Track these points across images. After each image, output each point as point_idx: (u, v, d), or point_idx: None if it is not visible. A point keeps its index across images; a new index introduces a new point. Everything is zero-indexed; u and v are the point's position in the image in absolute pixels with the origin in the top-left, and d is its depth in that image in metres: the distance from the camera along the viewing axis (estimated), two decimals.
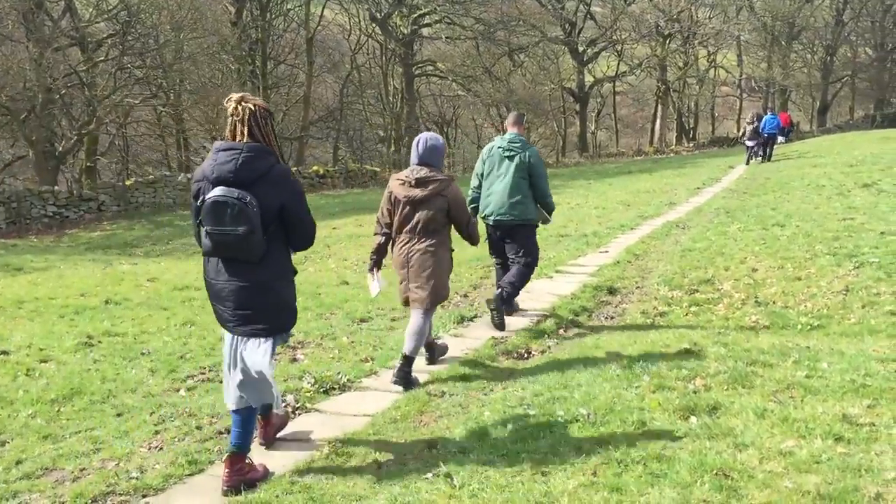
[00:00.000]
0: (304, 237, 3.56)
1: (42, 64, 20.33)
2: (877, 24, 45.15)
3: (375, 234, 5.16)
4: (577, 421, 3.95)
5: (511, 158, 6.33)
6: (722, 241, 9.60)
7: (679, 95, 43.84)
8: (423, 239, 4.91)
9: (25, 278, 10.72)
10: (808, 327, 6.12)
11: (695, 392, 4.29)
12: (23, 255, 13.73)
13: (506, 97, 35.48)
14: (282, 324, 3.54)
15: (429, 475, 3.47)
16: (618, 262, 8.91)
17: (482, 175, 6.52)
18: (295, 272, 3.62)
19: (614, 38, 38.52)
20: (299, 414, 4.48)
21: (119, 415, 4.65)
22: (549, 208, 6.52)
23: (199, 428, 4.27)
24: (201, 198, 3.36)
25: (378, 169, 31.10)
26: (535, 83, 37.21)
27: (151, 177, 24.35)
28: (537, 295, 7.32)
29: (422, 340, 4.97)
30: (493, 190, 6.37)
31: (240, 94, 3.46)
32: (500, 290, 6.30)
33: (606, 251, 9.71)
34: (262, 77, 30.83)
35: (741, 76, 49.14)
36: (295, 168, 28.75)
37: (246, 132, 3.39)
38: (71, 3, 23.52)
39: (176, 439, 4.14)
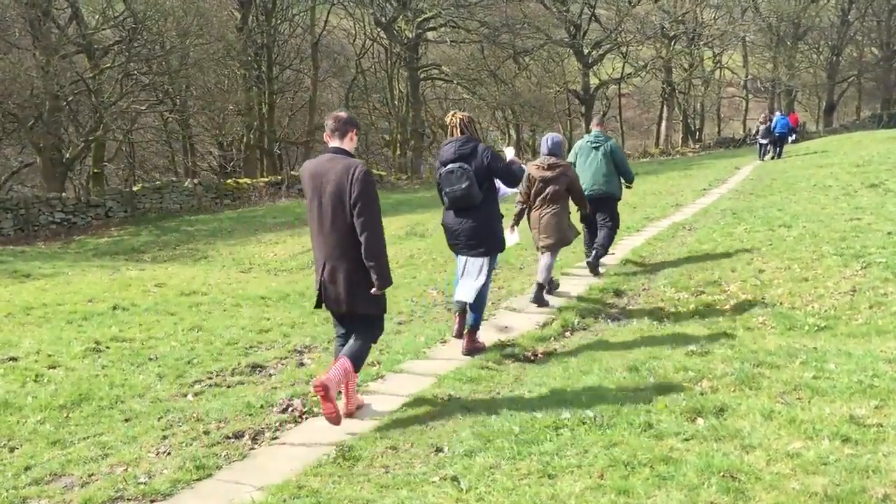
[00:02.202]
0: (510, 180, 5.59)
1: (49, 71, 20.46)
2: (882, 24, 44.97)
3: (517, 204, 7.38)
4: (583, 423, 3.95)
5: (597, 149, 8.45)
6: (728, 242, 9.57)
7: (685, 97, 43.74)
8: (551, 206, 7.16)
9: (33, 285, 10.78)
10: (815, 328, 6.10)
11: (701, 394, 4.29)
12: (31, 262, 13.78)
13: (511, 100, 35.41)
14: (495, 247, 5.58)
15: (436, 479, 3.47)
16: (624, 264, 8.90)
17: (574, 164, 8.40)
18: (502, 216, 5.67)
19: (619, 39, 38.37)
20: (306, 418, 4.49)
21: (127, 420, 4.67)
22: (630, 178, 8.63)
23: (206, 433, 4.28)
24: (439, 174, 5.47)
25: (384, 173, 31.04)
26: (541, 86, 37.09)
27: (158, 182, 24.48)
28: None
29: (549, 273, 7.19)
30: (585, 172, 8.36)
31: (453, 112, 5.64)
32: (594, 250, 8.38)
33: (612, 253, 9.66)
34: (267, 82, 30.92)
35: (747, 77, 48.92)
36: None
37: (459, 131, 5.49)
38: (77, 11, 23.64)
39: (184, 444, 4.15)
